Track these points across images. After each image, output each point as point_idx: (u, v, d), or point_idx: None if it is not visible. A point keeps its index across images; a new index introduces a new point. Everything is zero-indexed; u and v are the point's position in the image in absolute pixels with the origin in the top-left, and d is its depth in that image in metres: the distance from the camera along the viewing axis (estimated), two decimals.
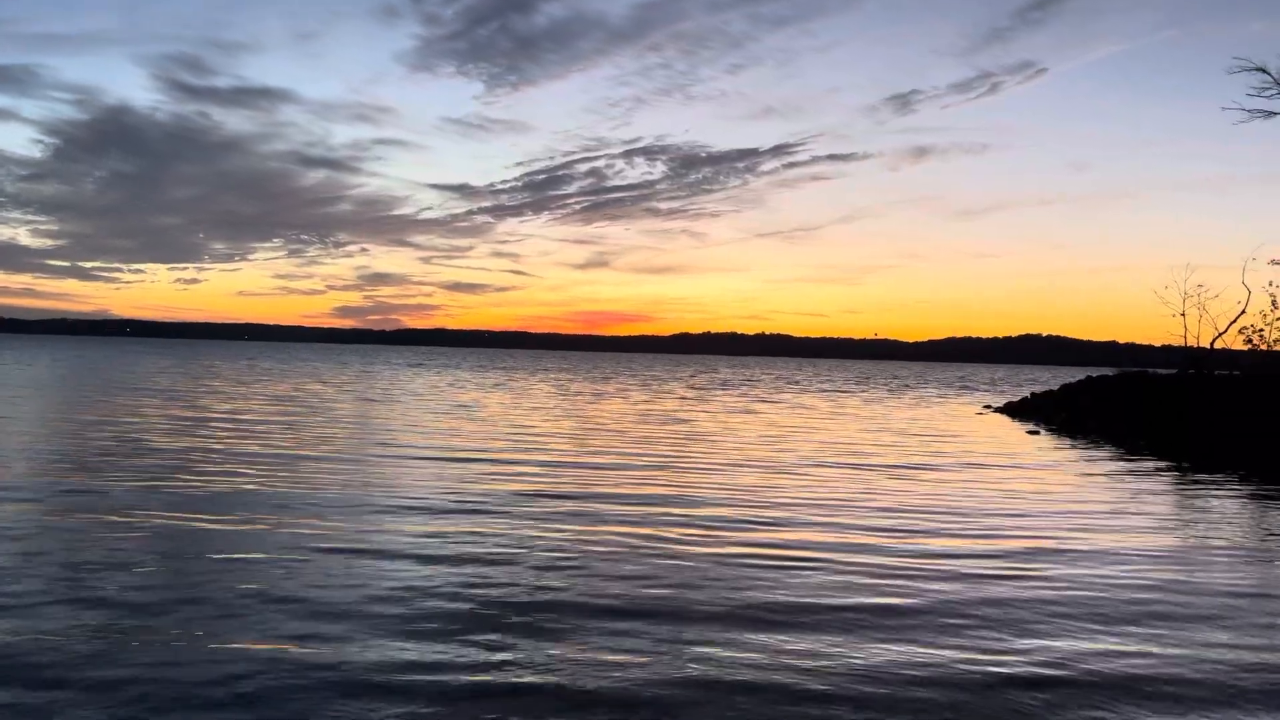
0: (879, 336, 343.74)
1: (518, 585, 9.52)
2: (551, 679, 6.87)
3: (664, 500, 15.63)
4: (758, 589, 9.72)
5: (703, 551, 11.51)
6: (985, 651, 7.89)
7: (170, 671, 6.68)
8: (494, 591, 9.19)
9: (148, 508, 13.06)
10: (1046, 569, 11.26)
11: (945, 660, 7.61)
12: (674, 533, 12.72)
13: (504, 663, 7.17)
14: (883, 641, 8.05)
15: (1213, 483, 20.69)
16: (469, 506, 14.03)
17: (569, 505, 14.76)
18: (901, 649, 7.86)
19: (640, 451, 23.05)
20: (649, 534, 12.54)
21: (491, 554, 10.84)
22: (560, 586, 9.53)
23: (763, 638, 8.07)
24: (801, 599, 9.37)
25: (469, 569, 10.05)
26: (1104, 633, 8.57)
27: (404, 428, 27.34)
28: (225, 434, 23.57)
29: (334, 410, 33.67)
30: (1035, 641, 8.22)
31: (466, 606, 8.64)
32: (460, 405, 39.02)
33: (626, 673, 7.04)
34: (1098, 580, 10.72)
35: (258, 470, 16.91)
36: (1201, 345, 39.64)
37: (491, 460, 20.28)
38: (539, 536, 11.99)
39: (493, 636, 7.79)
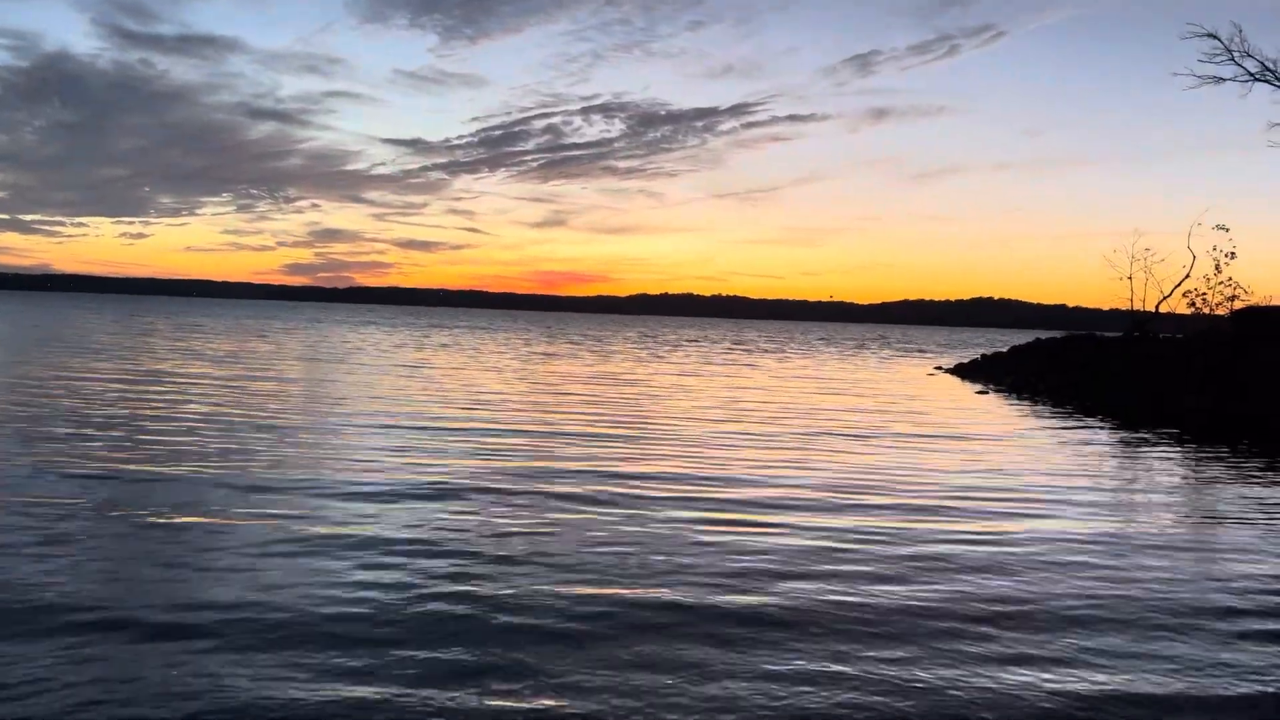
0: (834, 299, 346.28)
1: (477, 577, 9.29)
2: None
3: (616, 473, 15.48)
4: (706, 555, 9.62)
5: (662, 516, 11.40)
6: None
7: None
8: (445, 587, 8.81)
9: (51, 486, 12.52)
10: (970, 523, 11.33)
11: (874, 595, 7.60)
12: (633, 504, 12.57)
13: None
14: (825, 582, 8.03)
15: (1152, 442, 21.06)
16: (417, 488, 12.27)
17: (519, 481, 14.56)
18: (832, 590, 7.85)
19: (595, 416, 22.87)
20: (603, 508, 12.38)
21: (440, 544, 9.42)
22: (513, 556, 9.34)
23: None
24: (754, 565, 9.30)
25: (422, 562, 8.67)
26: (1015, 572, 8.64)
27: (350, 392, 26.84)
28: (158, 399, 22.96)
29: (278, 371, 33.02)
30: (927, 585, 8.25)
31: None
32: (409, 366, 38.52)
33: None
34: (1019, 535, 10.81)
35: (185, 444, 16.17)
36: (1147, 309, 40.34)
37: (439, 429, 19.97)
38: (493, 521, 11.40)
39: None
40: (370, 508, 10.94)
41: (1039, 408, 28.75)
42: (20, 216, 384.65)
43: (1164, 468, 17.54)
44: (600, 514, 11.10)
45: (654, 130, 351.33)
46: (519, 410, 22.57)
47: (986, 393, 34.31)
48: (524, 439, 17.53)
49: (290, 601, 7.31)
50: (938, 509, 12.26)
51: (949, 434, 21.21)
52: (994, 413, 27.30)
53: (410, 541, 9.39)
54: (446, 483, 12.71)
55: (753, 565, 9.06)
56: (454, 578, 8.19)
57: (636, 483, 13.19)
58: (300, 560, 8.55)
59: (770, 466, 15.40)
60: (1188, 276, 38.84)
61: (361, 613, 7.15)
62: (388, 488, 12.14)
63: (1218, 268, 37.43)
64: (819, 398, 29.91)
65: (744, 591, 8.15)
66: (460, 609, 7.35)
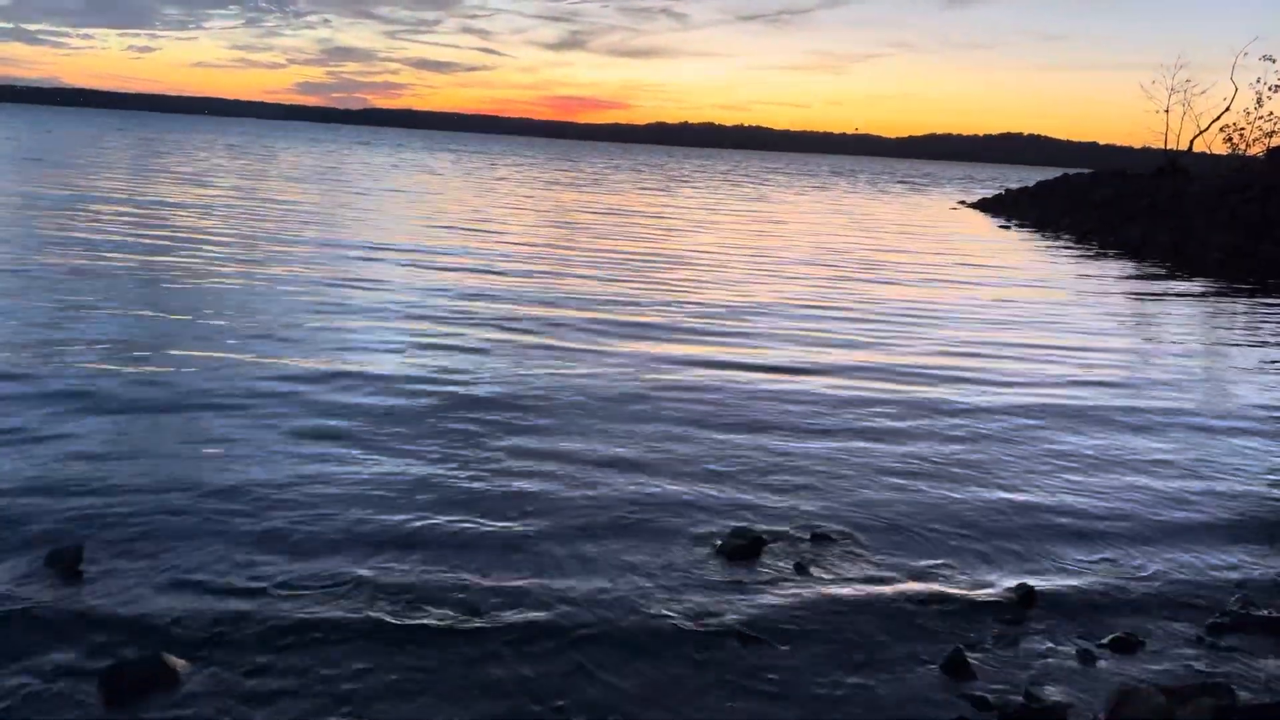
0: (860, 131, 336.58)
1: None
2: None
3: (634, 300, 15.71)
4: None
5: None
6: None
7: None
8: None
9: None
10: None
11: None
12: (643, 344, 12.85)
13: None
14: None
15: (1168, 278, 21.10)
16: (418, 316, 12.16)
17: (523, 309, 14.80)
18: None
19: (609, 249, 22.96)
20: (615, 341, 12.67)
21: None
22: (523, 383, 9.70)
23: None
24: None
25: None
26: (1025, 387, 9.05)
27: (356, 218, 26.80)
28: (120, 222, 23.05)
29: (293, 199, 32.91)
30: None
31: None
32: (425, 193, 38.27)
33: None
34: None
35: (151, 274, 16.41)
36: (1181, 148, 39.29)
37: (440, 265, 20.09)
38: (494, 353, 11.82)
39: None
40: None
41: (1059, 244, 28.62)
42: (24, 26, 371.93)
43: (1179, 307, 17.66)
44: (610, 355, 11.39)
45: None
46: (526, 255, 22.64)
47: (1009, 227, 34.07)
48: (530, 278, 17.68)
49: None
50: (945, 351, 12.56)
51: (963, 264, 21.29)
52: (1012, 249, 27.23)
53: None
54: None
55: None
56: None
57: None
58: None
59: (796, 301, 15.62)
60: (1227, 110, 37.72)
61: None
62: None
63: (1259, 101, 36.27)
64: (843, 234, 29.82)
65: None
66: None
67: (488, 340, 10.19)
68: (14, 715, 3.45)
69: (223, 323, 10.18)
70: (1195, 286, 19.59)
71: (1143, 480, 6.96)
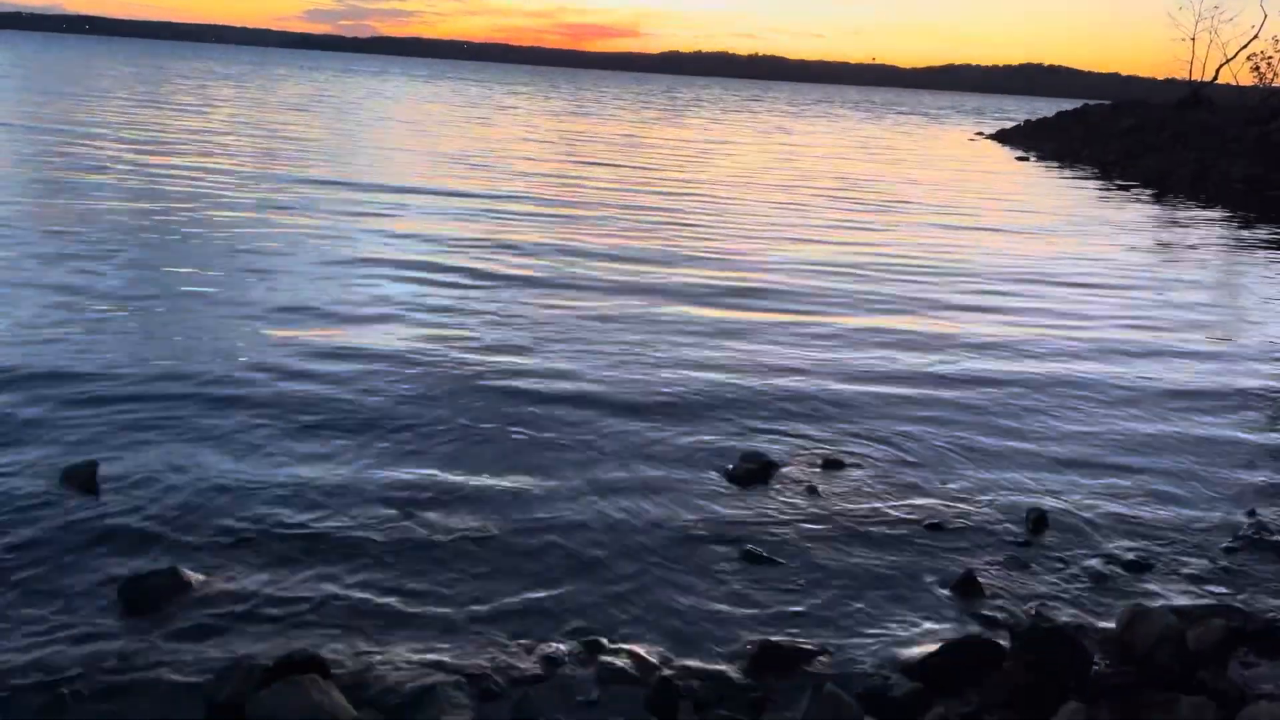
0: (877, 61, 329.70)
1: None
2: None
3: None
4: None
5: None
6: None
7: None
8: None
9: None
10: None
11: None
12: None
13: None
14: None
15: (1186, 209, 20.76)
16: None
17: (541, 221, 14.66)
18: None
19: (627, 178, 22.69)
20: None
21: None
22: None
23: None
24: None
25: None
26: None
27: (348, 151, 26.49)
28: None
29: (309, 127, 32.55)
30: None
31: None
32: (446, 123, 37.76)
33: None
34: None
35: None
36: (1206, 78, 38.36)
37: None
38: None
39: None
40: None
41: (1077, 175, 28.15)
42: None
43: (1197, 234, 17.41)
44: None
45: None
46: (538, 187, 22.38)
47: (1027, 159, 33.50)
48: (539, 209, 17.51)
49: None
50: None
51: (975, 195, 21.00)
52: (1030, 180, 26.82)
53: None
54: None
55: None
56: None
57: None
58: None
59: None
60: (1255, 38, 36.71)
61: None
62: None
63: None
64: (862, 165, 29.39)
65: None
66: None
67: (506, 272, 10.13)
68: (36, 623, 3.50)
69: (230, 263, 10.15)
70: (1216, 215, 19.28)
71: (1159, 410, 6.92)
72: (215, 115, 28.76)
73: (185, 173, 15.57)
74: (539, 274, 9.97)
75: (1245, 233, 17.61)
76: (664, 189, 18.09)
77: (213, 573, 3.90)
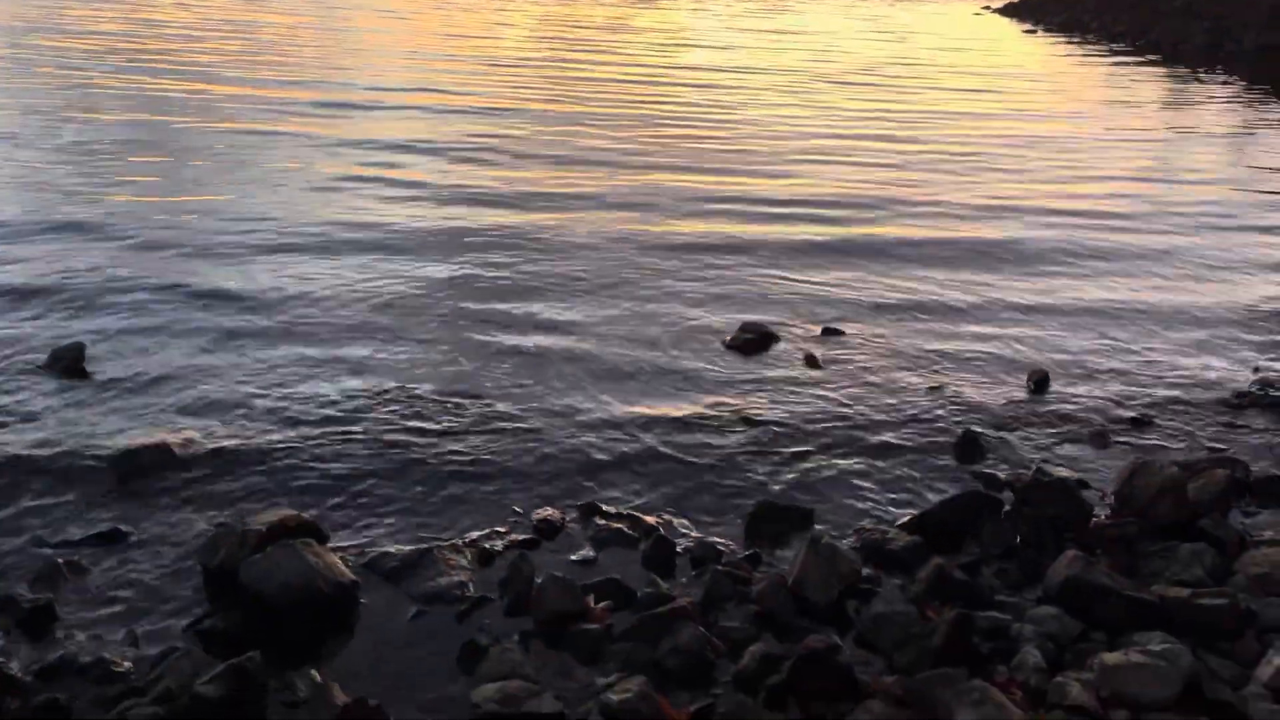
0: None
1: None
2: None
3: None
4: None
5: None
6: None
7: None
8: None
9: None
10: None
11: None
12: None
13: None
14: None
15: (1202, 79, 20.15)
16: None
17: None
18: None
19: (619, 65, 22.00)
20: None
21: None
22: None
23: None
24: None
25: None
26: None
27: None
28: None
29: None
30: None
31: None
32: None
33: None
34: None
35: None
36: None
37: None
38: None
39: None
40: None
41: (1086, 46, 27.26)
42: None
43: (1210, 103, 16.95)
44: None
45: None
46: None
47: (1035, 32, 32.43)
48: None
49: None
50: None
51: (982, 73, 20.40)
52: (1036, 54, 26.00)
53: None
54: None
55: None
56: None
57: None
58: None
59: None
60: None
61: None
62: None
63: None
64: (864, 42, 28.47)
65: None
66: None
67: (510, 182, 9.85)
68: (31, 497, 3.47)
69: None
70: (1218, 93, 18.71)
71: (1165, 271, 6.81)
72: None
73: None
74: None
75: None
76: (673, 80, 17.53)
77: (203, 445, 3.86)
